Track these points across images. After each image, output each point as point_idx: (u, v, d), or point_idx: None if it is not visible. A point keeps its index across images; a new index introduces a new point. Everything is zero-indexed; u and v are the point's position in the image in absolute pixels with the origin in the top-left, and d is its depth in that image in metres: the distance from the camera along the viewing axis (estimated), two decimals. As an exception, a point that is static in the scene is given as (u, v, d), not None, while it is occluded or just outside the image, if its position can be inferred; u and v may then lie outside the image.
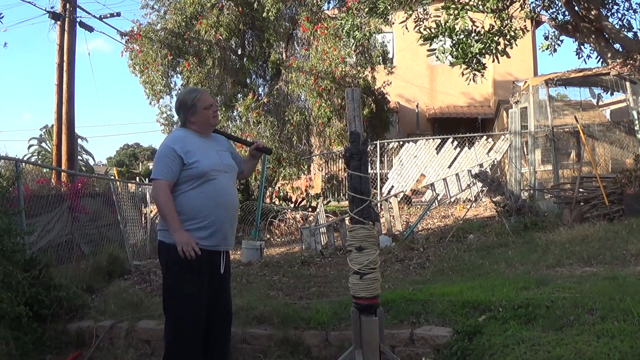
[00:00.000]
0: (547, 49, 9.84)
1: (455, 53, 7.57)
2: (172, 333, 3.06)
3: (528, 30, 9.33)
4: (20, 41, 71.23)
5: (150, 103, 14.55)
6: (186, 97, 3.20)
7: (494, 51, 7.65)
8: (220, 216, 3.06)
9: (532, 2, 9.57)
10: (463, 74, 7.84)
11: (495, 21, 8.14)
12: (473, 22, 7.70)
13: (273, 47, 14.62)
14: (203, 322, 3.07)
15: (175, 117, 15.91)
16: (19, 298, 4.06)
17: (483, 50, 7.51)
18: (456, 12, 7.33)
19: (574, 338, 3.05)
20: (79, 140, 25.74)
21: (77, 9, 12.51)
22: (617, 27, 9.21)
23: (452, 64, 7.84)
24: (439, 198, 12.27)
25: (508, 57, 7.93)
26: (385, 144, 14.21)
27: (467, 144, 13.51)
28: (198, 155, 3.04)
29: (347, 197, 2.95)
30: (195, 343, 3.06)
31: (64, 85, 12.15)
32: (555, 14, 9.72)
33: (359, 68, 13.53)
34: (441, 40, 7.64)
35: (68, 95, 12.18)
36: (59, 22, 12.11)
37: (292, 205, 13.45)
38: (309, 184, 15.21)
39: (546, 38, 9.91)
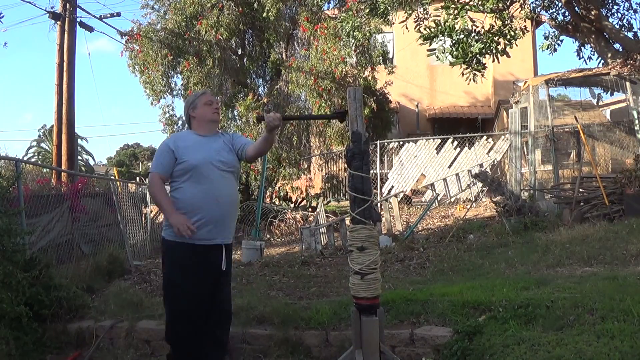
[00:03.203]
0: (547, 48, 9.86)
1: (455, 53, 7.57)
2: (170, 325, 3.26)
3: (528, 31, 9.33)
4: (20, 41, 71.23)
5: (151, 103, 14.54)
6: (190, 97, 3.48)
7: (494, 51, 7.65)
8: (213, 210, 3.15)
9: (532, 2, 9.58)
10: (463, 74, 7.84)
11: (495, 21, 8.14)
12: (473, 21, 7.70)
13: (273, 47, 14.61)
14: (199, 316, 3.17)
15: (176, 117, 15.95)
16: (19, 298, 4.06)
17: (483, 50, 7.51)
18: (456, 11, 7.33)
19: (574, 338, 3.05)
20: (79, 140, 25.73)
21: (77, 9, 12.51)
22: (617, 27, 9.22)
23: (452, 64, 7.83)
24: (439, 198, 12.28)
25: (508, 57, 7.93)
26: (386, 144, 14.21)
27: (467, 144, 13.51)
28: (190, 150, 3.20)
29: (347, 197, 2.96)
30: (189, 335, 3.19)
31: (64, 85, 12.15)
32: (555, 14, 9.73)
33: (359, 68, 13.53)
34: (441, 40, 7.64)
35: (68, 95, 12.17)
36: (59, 22, 12.10)
37: (292, 205, 13.45)
38: (309, 184, 15.21)
39: (546, 38, 9.94)
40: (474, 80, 7.81)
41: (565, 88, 11.22)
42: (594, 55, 9.50)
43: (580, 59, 9.67)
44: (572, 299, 3.65)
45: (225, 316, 3.34)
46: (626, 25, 9.42)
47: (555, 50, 9.82)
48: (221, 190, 3.20)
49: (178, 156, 3.19)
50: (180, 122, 15.96)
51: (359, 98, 2.83)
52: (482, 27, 7.86)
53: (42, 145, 32.58)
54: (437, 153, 13.62)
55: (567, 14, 9.42)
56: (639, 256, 5.22)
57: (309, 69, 13.09)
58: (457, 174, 12.97)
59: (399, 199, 11.26)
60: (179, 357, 3.31)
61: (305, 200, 13.82)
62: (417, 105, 18.93)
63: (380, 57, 13.81)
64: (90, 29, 12.95)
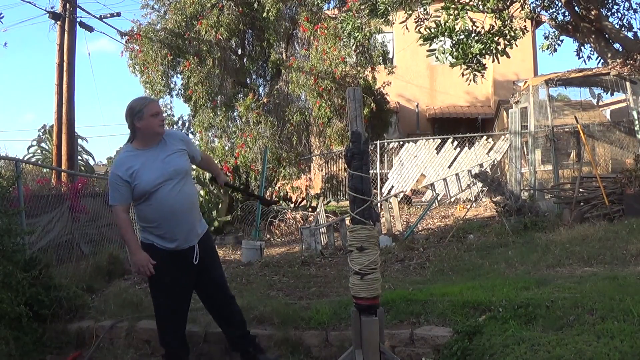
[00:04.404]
0: (547, 49, 9.85)
1: (455, 53, 7.56)
2: (157, 318, 3.46)
3: (528, 31, 9.33)
4: (20, 41, 71.14)
5: (151, 103, 14.52)
6: (135, 103, 3.26)
7: (494, 51, 7.64)
8: (170, 223, 3.25)
9: (532, 2, 9.57)
10: (463, 75, 7.84)
11: (495, 21, 8.14)
12: (473, 22, 7.69)
13: (273, 47, 14.61)
14: (182, 308, 3.41)
15: (175, 117, 15.95)
16: (19, 298, 4.06)
17: (483, 51, 7.51)
18: (456, 12, 7.33)
19: (574, 338, 3.05)
20: (79, 140, 25.65)
21: (77, 9, 12.50)
22: (617, 27, 9.21)
23: (452, 65, 7.83)
24: (439, 198, 12.27)
25: (508, 57, 7.93)
26: (385, 144, 14.21)
27: (467, 144, 13.51)
28: (140, 174, 3.19)
29: (347, 197, 2.97)
30: (175, 326, 3.39)
31: (64, 85, 12.15)
32: (555, 14, 9.72)
33: (359, 68, 13.53)
34: (441, 41, 7.63)
35: (68, 95, 12.17)
36: (59, 22, 12.10)
37: (292, 205, 13.45)
38: (309, 184, 15.22)
39: (546, 38, 9.92)
40: (474, 81, 7.80)
41: (565, 88, 11.22)
42: (593, 55, 9.49)
43: (580, 59, 9.66)
44: (572, 299, 3.65)
45: (220, 284, 3.52)
46: (626, 25, 9.41)
47: (555, 50, 9.82)
48: (174, 203, 3.24)
49: (131, 182, 3.20)
50: (180, 122, 15.98)
51: (358, 98, 2.83)
52: (482, 28, 7.86)
53: (42, 145, 32.52)
54: (437, 153, 13.62)
55: (567, 14, 9.41)
56: (639, 256, 5.22)
57: (309, 69, 13.10)
58: (457, 174, 12.97)
59: (399, 199, 11.26)
60: (171, 355, 3.45)
61: (305, 200, 13.83)
62: (417, 105, 18.93)
63: (380, 57, 13.82)
64: (90, 29, 12.95)
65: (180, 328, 3.45)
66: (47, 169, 11.67)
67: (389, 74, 14.14)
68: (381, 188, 13.54)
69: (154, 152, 3.26)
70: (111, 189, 3.28)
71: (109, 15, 13.60)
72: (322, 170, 15.64)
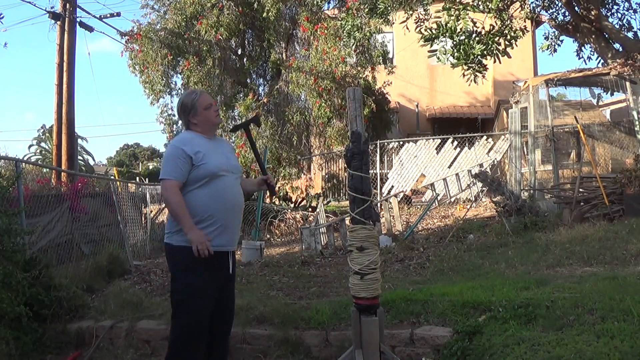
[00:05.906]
0: (547, 49, 9.85)
1: (456, 54, 7.56)
2: (179, 332, 3.06)
3: (528, 31, 9.32)
4: (20, 41, 71.21)
5: (151, 103, 14.58)
6: (186, 99, 3.22)
7: (494, 52, 7.64)
8: (227, 216, 3.07)
9: (532, 2, 9.57)
10: (464, 75, 7.84)
11: (495, 21, 8.13)
12: (474, 22, 7.69)
13: (273, 47, 14.62)
14: (207, 322, 3.08)
15: (175, 117, 15.97)
16: (19, 298, 4.06)
17: (485, 51, 7.50)
18: (457, 13, 7.32)
19: (574, 338, 3.05)
20: (79, 140, 25.70)
21: (77, 9, 12.52)
22: (617, 27, 9.22)
23: (453, 65, 7.83)
24: (439, 198, 12.27)
25: (509, 57, 7.92)
26: (385, 144, 14.21)
27: (467, 144, 13.50)
28: (208, 157, 3.06)
29: (347, 197, 2.96)
30: (199, 343, 3.07)
31: (64, 85, 12.16)
32: (555, 14, 9.72)
33: (359, 68, 13.53)
34: (442, 41, 7.63)
35: (68, 95, 12.18)
36: (59, 22, 12.11)
37: (292, 205, 13.45)
38: (309, 183, 15.21)
39: (546, 38, 9.92)
40: (474, 81, 7.81)
41: (565, 88, 11.22)
42: (593, 55, 9.49)
43: (580, 59, 9.66)
44: (572, 299, 3.65)
45: (231, 316, 3.32)
46: (626, 25, 9.41)
47: (555, 50, 9.81)
48: (236, 197, 3.15)
49: (195, 162, 3.02)
50: (180, 121, 15.99)
51: (358, 98, 2.83)
52: (483, 28, 7.85)
53: (42, 144, 32.55)
54: (437, 153, 13.62)
55: (567, 14, 9.41)
56: (639, 256, 5.22)
57: (309, 69, 13.10)
58: (457, 174, 12.96)
59: (399, 199, 11.26)
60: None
61: (305, 200, 13.82)
62: (417, 105, 18.93)
63: (380, 57, 13.81)
64: (90, 29, 12.97)
65: (201, 343, 3.09)
66: (47, 169, 11.67)
67: (389, 74, 14.14)
68: (381, 188, 13.53)
69: (215, 142, 3.22)
70: (169, 163, 3.03)
71: (109, 15, 13.63)
72: (322, 170, 15.64)
